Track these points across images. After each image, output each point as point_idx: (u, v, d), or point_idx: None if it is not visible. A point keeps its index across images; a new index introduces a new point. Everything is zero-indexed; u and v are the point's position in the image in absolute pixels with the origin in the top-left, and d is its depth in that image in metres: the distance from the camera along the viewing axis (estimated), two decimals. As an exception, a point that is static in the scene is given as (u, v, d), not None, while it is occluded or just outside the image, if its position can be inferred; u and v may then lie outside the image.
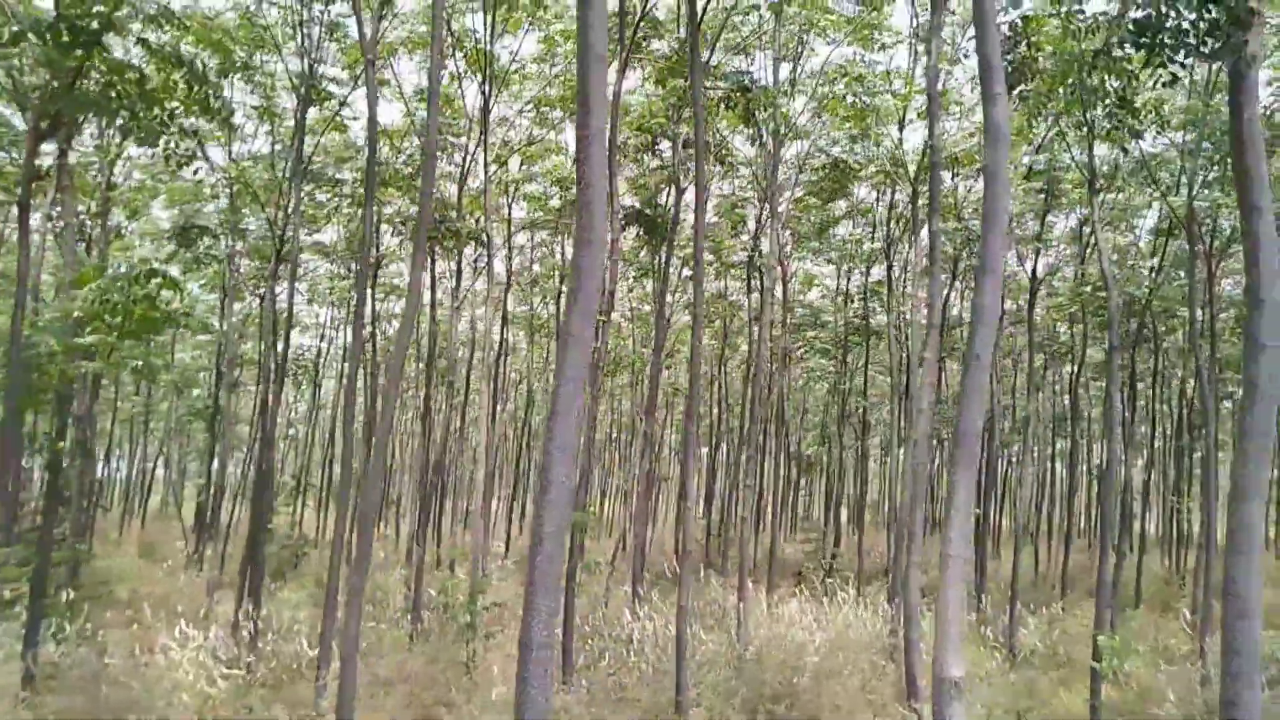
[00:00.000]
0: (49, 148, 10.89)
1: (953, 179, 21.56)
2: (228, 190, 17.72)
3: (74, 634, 11.99)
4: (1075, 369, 25.87)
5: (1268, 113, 17.25)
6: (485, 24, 15.27)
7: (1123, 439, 24.69)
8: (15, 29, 8.24)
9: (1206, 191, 16.39)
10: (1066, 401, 30.53)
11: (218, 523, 23.03)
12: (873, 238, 24.35)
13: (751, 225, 21.73)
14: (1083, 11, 10.36)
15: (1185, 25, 7.79)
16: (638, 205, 17.34)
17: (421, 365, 27.68)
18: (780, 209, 22.75)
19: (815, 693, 11.69)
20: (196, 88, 8.46)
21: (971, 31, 13.19)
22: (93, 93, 8.43)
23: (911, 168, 18.26)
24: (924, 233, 14.34)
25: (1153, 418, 27.43)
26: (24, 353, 10.59)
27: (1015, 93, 12.93)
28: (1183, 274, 19.60)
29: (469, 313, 32.53)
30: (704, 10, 11.48)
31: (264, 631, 12.86)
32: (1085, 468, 35.07)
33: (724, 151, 18.88)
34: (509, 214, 22.89)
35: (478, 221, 16.88)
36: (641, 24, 13.20)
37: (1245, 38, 7.97)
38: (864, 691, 12.38)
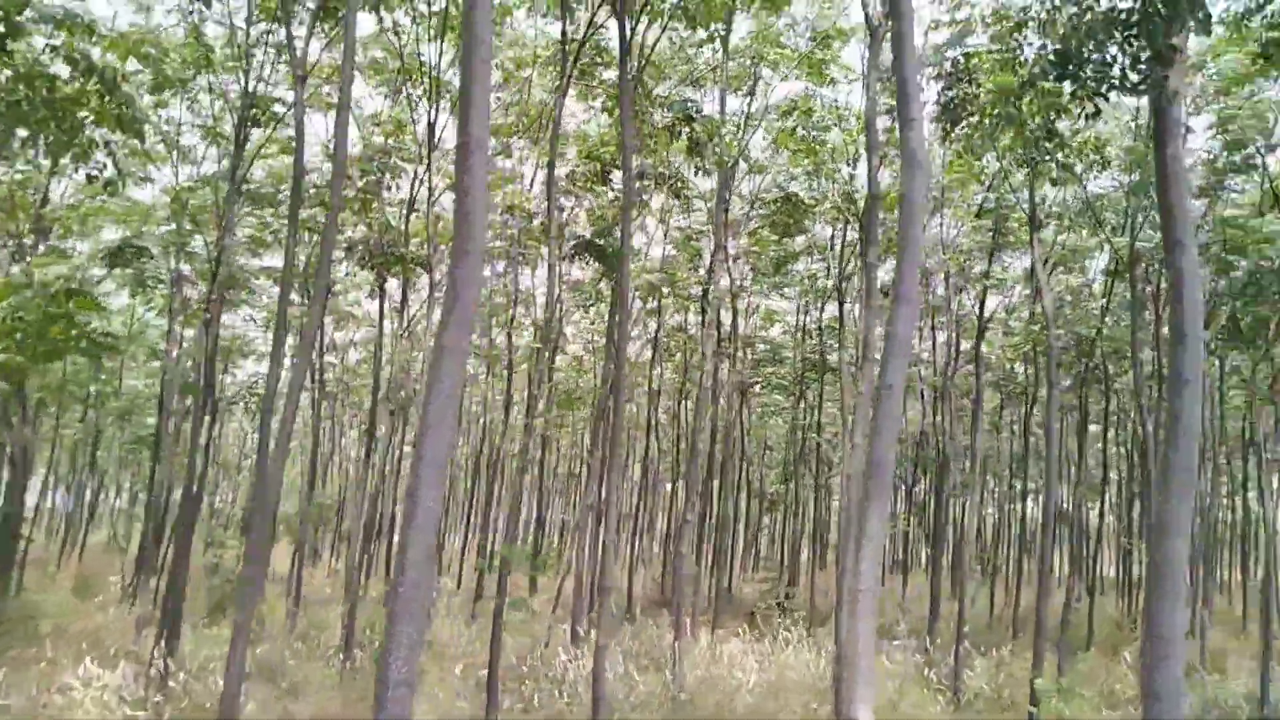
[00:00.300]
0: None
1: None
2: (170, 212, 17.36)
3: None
4: (1027, 409, 25.98)
5: (1211, 157, 17.61)
6: (435, 51, 15.19)
7: (1076, 480, 24.91)
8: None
9: (1153, 233, 16.59)
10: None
11: (159, 555, 22.22)
12: (828, 274, 24.44)
13: (706, 258, 21.69)
14: (1022, 46, 10.43)
15: (1108, 58, 7.81)
16: (588, 235, 17.21)
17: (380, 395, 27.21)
18: (733, 242, 22.81)
19: (748, 735, 11.35)
20: (108, 99, 8.18)
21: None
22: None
23: (861, 204, 18.34)
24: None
25: (1105, 460, 27.56)
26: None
27: (958, 129, 13.02)
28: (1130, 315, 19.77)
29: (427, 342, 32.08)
30: (633, 33, 11.41)
31: (175, 671, 12.26)
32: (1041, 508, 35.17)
33: (679, 184, 18.86)
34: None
35: (426, 247, 16.66)
36: (586, 50, 13.15)
37: (1166, 74, 8.00)
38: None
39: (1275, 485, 32.20)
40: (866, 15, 12.07)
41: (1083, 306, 24.13)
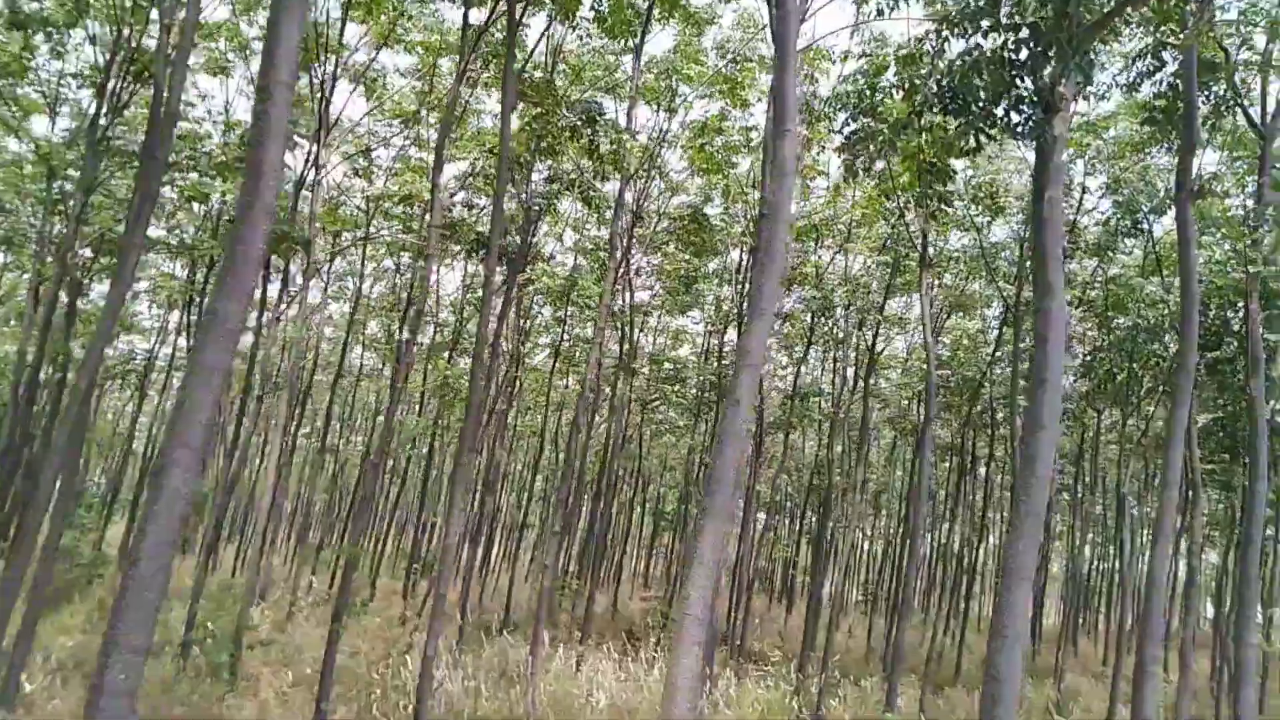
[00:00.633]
0: None
1: (816, 246, 21.91)
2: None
3: None
4: (917, 445, 26.40)
5: (1105, 217, 18.20)
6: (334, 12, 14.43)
7: (959, 519, 25.46)
8: None
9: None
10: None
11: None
12: (734, 297, 24.44)
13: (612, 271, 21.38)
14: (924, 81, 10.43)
15: (994, 96, 7.80)
16: (484, 234, 16.69)
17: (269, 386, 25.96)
18: (644, 257, 22.58)
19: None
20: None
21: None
22: None
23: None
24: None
25: (986, 501, 28.26)
26: None
27: (859, 162, 13.02)
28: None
29: (334, 331, 30.92)
30: (520, 23, 10.99)
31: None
32: (932, 544, 35.93)
33: (589, 190, 18.51)
34: (365, 232, 21.85)
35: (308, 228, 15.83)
36: (491, 41, 12.70)
37: (1050, 118, 8.03)
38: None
39: (1140, 536, 33.60)
40: (772, 30, 11.95)
41: (977, 351, 24.72)
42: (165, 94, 8.81)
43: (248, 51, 16.14)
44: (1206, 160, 22.27)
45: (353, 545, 10.29)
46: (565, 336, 27.36)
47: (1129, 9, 8.29)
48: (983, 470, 30.74)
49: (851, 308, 21.14)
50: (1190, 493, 16.90)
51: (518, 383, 29.72)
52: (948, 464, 33.37)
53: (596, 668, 14.93)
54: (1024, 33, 7.70)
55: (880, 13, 8.71)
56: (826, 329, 24.50)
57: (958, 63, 7.30)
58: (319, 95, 14.22)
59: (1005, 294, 16.09)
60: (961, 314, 24.41)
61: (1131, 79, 10.95)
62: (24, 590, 12.22)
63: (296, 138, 16.97)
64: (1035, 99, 8.07)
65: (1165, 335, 14.98)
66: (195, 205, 18.77)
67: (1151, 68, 10.20)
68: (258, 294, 17.42)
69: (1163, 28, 9.99)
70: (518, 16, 10.38)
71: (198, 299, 22.12)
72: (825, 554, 21.42)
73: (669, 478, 43.33)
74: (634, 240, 19.50)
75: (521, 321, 27.75)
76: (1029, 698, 21.07)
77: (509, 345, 25.91)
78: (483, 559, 34.15)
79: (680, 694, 5.87)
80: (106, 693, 3.62)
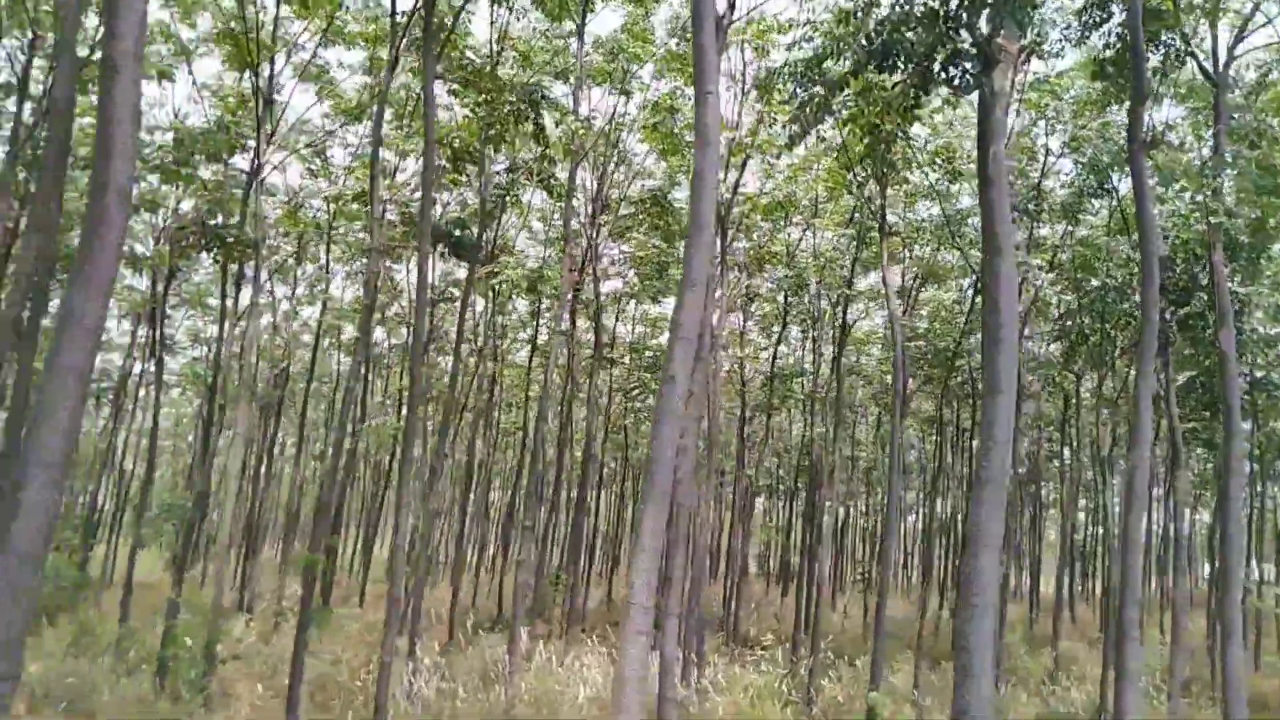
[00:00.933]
0: None
1: (785, 224, 21.64)
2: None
3: None
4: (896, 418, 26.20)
5: (1071, 179, 18.00)
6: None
7: (945, 490, 25.23)
8: None
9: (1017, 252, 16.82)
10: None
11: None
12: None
13: (578, 256, 21.11)
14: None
15: (929, 52, 7.56)
16: (445, 225, 16.37)
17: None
18: (612, 244, 22.29)
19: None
20: None
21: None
22: None
23: (736, 211, 18.08)
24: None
25: (971, 471, 28.09)
26: None
27: (813, 133, 12.77)
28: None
29: (316, 336, 30.42)
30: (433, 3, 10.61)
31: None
32: (923, 519, 35.84)
33: (550, 179, 18.21)
34: (327, 234, 21.51)
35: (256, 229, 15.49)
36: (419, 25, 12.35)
37: (989, 72, 7.79)
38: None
39: (1125, 495, 33.47)
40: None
41: (954, 322, 24.52)
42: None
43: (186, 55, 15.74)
44: (1166, 115, 22.08)
45: (312, 555, 10.03)
46: (541, 330, 27.06)
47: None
48: (967, 441, 30.58)
49: (823, 284, 20.92)
50: (1172, 451, 16.76)
51: (497, 379, 29.42)
52: (935, 437, 33.22)
53: (581, 661, 14.74)
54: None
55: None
56: (803, 307, 24.27)
57: (888, 15, 7.05)
58: (259, 96, 13.86)
59: (974, 261, 15.89)
60: (936, 285, 24.19)
61: (1080, 32, 10.73)
62: None
63: (240, 134, 16.59)
64: (976, 53, 7.83)
65: (1134, 294, 14.81)
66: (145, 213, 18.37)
67: (1099, 19, 9.98)
68: (230, 304, 17.08)
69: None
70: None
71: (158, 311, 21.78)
72: (817, 534, 21.25)
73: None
74: (599, 227, 19.22)
75: (498, 317, 27.45)
76: (1025, 666, 20.97)
77: (480, 341, 25.62)
78: (476, 558, 33.93)
79: (629, 685, 5.66)
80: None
